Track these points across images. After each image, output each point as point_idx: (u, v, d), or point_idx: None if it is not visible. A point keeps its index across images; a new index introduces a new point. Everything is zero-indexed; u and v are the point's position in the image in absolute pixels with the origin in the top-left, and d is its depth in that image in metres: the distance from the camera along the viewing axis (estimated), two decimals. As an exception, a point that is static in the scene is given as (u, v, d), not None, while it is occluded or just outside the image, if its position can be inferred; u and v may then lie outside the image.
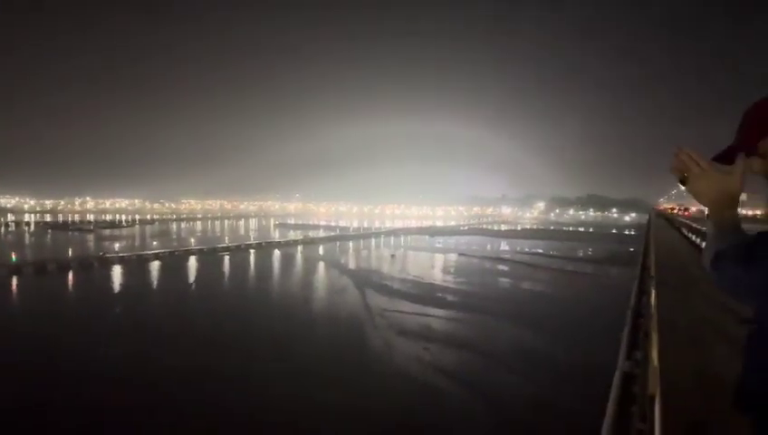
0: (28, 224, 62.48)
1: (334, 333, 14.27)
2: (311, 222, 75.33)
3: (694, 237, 8.94)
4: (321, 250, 37.47)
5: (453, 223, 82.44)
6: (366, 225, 66.89)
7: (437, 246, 43.79)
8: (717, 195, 0.91)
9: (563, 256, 36.42)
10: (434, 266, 30.52)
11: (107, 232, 51.61)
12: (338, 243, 43.63)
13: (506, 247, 43.26)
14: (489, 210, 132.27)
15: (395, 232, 56.98)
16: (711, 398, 1.72)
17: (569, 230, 70.26)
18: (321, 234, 50.97)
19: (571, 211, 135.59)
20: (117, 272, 24.85)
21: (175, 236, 47.23)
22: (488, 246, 43.64)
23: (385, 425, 8.39)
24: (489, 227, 73.69)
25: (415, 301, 18.65)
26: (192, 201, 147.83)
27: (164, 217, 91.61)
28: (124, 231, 54.72)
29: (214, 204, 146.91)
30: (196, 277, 24.29)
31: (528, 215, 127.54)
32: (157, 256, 29.91)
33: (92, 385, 9.66)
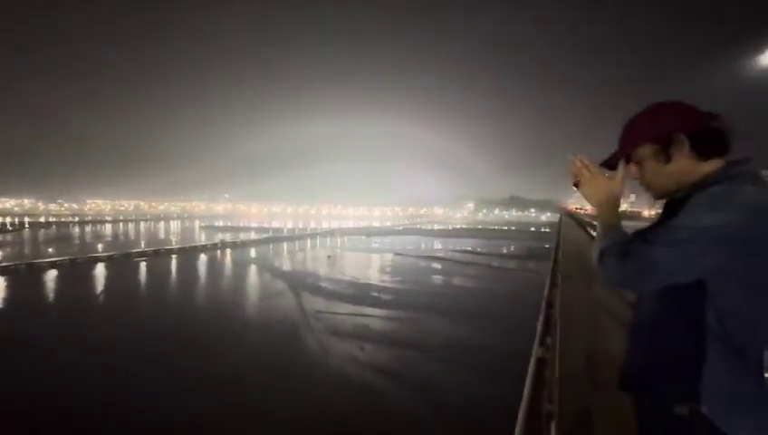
0: None
1: (266, 339, 13.65)
2: (241, 224, 71.44)
3: (594, 234, 10.16)
4: (252, 253, 35.69)
5: (389, 223, 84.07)
6: (301, 226, 65.20)
7: (374, 246, 44.29)
8: (604, 197, 1.01)
9: (490, 253, 39.15)
10: (370, 266, 30.81)
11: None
12: (271, 245, 41.96)
13: (439, 246, 45.25)
14: (423, 211, 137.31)
15: (331, 233, 56.44)
16: (601, 376, 1.95)
17: (494, 229, 75.66)
18: (253, 236, 48.58)
19: (496, 211, 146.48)
20: (-1, 285, 21.14)
21: (78, 241, 41.54)
22: (422, 245, 45.25)
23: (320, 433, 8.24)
24: (423, 226, 76.37)
25: (351, 301, 18.64)
26: (99, 202, 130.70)
27: (64, 219, 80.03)
28: (9, 236, 46.65)
29: (127, 205, 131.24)
30: (106, 288, 21.59)
31: (458, 215, 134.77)
32: (53, 265, 26.00)
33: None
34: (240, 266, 28.33)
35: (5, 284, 21.23)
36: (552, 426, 1.37)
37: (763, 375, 0.86)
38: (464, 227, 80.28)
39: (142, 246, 34.44)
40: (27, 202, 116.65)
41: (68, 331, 13.84)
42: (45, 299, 19.07)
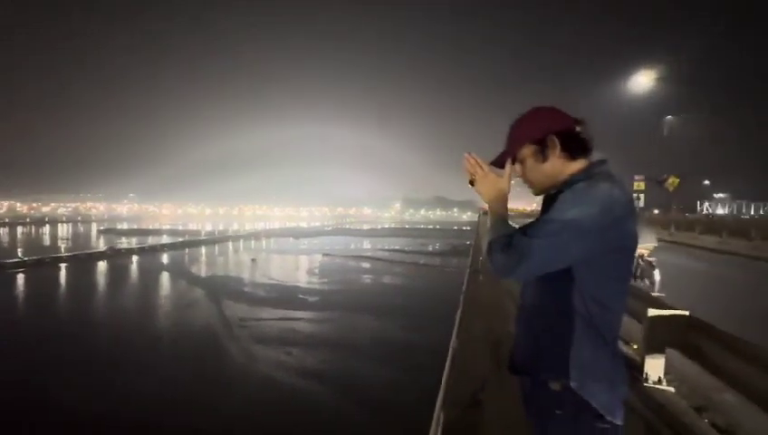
0: None
1: (183, 354, 12.50)
2: (151, 226, 64.26)
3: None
4: (164, 259, 32.32)
5: (317, 224, 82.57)
6: (222, 228, 60.74)
7: (302, 247, 43.11)
8: (494, 194, 1.10)
9: (417, 251, 40.69)
10: (298, 268, 29.97)
11: None
12: (187, 249, 38.40)
13: (368, 246, 45.72)
14: (352, 211, 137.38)
15: (256, 235, 53.63)
16: (498, 360, 2.19)
17: (421, 228, 78.83)
18: (165, 240, 44.00)
19: (423, 211, 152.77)
20: None
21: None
22: (352, 246, 45.29)
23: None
24: (352, 226, 76.50)
25: (277, 306, 17.94)
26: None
27: None
28: None
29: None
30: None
31: (387, 215, 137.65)
32: None
33: None
34: (149, 275, 25.43)
35: None
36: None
37: (617, 349, 1.03)
38: (392, 226, 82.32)
39: (19, 255, 28.95)
40: None
41: None
42: None
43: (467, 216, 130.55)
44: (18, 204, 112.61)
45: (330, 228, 68.91)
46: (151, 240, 43.34)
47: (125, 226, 67.41)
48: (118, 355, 11.94)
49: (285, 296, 19.97)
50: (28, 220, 76.97)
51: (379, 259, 34.61)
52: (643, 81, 24.18)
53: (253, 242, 47.59)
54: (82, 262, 28.80)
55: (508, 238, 0.98)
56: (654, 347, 3.47)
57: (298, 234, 56.34)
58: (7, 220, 73.11)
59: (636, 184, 26.83)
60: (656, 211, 32.84)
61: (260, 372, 11.10)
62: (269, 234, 55.68)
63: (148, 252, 35.38)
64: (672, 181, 22.97)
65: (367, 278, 26.29)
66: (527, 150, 1.10)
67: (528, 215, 28.71)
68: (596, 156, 1.10)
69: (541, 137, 1.08)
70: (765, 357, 2.64)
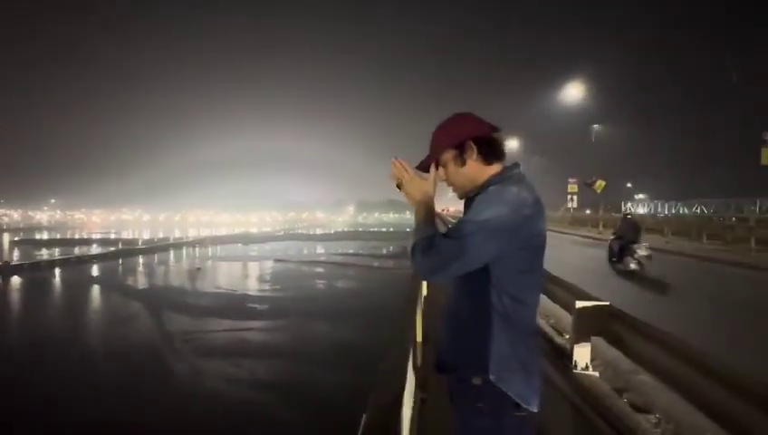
0: None
1: (120, 374, 11.45)
2: (78, 236, 58.19)
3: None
4: (94, 271, 29.41)
5: (268, 229, 79.78)
6: (162, 235, 56.56)
7: (252, 253, 41.39)
8: (419, 197, 1.14)
9: (370, 254, 40.77)
10: (248, 276, 28.75)
11: None
12: (121, 259, 35.26)
13: (322, 250, 45.00)
14: (305, 215, 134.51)
15: (201, 242, 50.59)
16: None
17: (374, 231, 79.14)
18: (96, 250, 40.08)
19: (376, 214, 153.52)
20: None
21: None
22: (305, 251, 44.32)
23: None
24: (305, 231, 74.93)
25: (225, 316, 17.06)
26: None
27: None
28: None
29: None
30: None
31: (340, 219, 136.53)
32: None
33: None
34: (75, 290, 22.98)
35: None
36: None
37: (531, 340, 1.10)
38: (345, 230, 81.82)
39: None
40: None
41: None
42: None
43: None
44: None
45: (281, 233, 66.95)
46: (78, 251, 39.26)
47: (45, 235, 60.31)
48: (37, 385, 10.65)
49: (234, 306, 19.06)
50: None
51: (332, 263, 34.22)
52: (574, 92, 26.48)
53: (198, 249, 44.82)
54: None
55: (430, 240, 1.01)
56: (581, 336, 3.81)
57: (247, 240, 54.08)
58: None
59: (570, 186, 29.18)
60: (588, 211, 35.93)
61: (206, 386, 10.50)
62: (216, 241, 52.82)
63: (74, 264, 31.97)
64: (599, 184, 25.21)
65: (320, 283, 25.88)
66: (448, 155, 1.15)
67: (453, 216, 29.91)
68: (509, 161, 1.17)
69: (459, 142, 1.13)
70: (671, 342, 3.01)
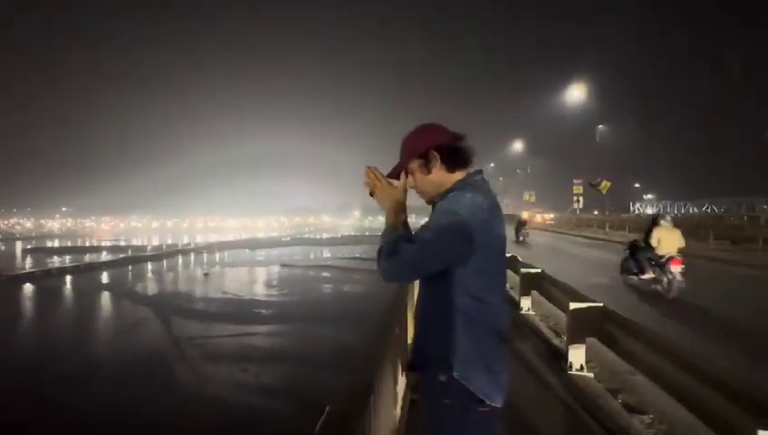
0: None
1: (127, 380, 11.63)
2: (88, 243, 59.10)
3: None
4: (105, 278, 29.86)
5: (275, 234, 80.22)
6: (170, 241, 57.19)
7: (258, 258, 41.65)
8: (389, 204, 1.21)
9: (376, 258, 40.74)
10: (255, 281, 28.94)
11: None
12: (130, 266, 35.73)
13: (328, 254, 45.12)
14: (311, 219, 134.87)
15: (208, 247, 51.02)
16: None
17: (380, 235, 78.66)
18: (106, 256, 40.68)
19: (381, 218, 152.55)
20: None
21: None
22: (311, 255, 44.47)
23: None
24: (311, 235, 75.17)
25: (232, 321, 17.22)
26: None
27: None
28: None
29: None
30: None
31: (346, 223, 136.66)
32: None
33: None
34: (86, 296, 23.38)
35: None
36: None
37: (495, 338, 1.14)
38: (352, 234, 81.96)
39: None
40: None
41: None
42: None
43: (423, 221, 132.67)
44: None
45: (288, 238, 67.26)
46: (89, 258, 39.88)
47: (57, 243, 61.33)
48: (45, 389, 10.88)
49: (241, 311, 19.24)
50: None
51: (338, 268, 34.29)
52: (577, 93, 26.41)
53: (205, 255, 45.25)
54: (2, 286, 25.79)
55: (394, 246, 1.08)
56: (576, 337, 3.84)
57: (254, 245, 54.43)
58: None
59: (575, 188, 28.99)
60: (595, 212, 35.62)
61: (212, 392, 10.62)
62: (223, 246, 53.24)
63: (85, 271, 32.49)
64: (604, 185, 25.02)
65: (327, 287, 25.96)
66: (414, 164, 1.20)
67: None
68: (474, 166, 1.21)
69: (424, 151, 1.18)
70: (662, 342, 3.04)
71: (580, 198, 28.98)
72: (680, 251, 7.28)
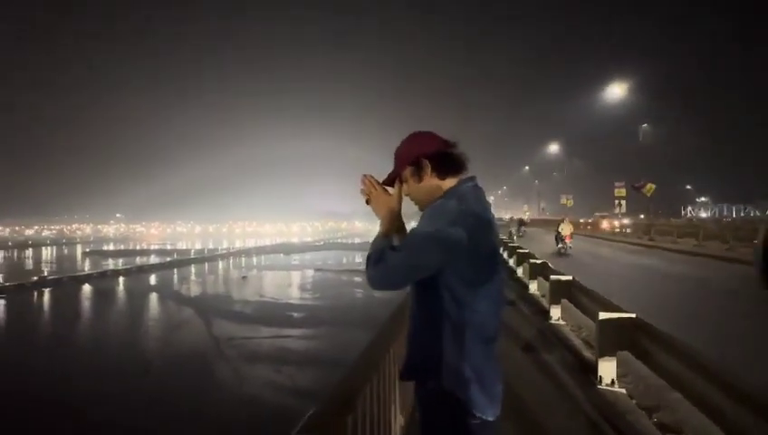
0: None
1: (172, 375, 12.39)
2: (138, 247, 63.32)
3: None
4: (152, 280, 31.94)
5: (309, 239, 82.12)
6: (212, 246, 60.17)
7: (293, 263, 42.88)
8: (384, 211, 1.19)
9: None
10: (290, 285, 29.81)
11: None
12: (175, 269, 37.97)
13: (359, 259, 45.65)
14: (344, 225, 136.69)
15: (246, 252, 53.21)
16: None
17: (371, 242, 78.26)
18: (154, 260, 43.47)
19: (412, 223, 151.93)
20: None
21: None
22: (344, 260, 45.18)
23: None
24: (344, 241, 76.26)
25: (268, 324, 17.87)
26: None
27: None
28: None
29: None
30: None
31: (378, 228, 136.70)
32: None
33: None
34: (137, 296, 25.12)
35: None
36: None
37: (486, 347, 1.09)
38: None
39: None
40: None
41: None
42: None
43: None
44: (0, 227, 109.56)
45: (321, 243, 68.63)
46: (139, 261, 42.78)
47: (111, 247, 66.22)
48: (103, 380, 11.80)
49: (277, 314, 19.91)
50: (10, 244, 74.96)
51: (370, 273, 34.49)
52: (617, 91, 25.08)
53: (243, 259, 47.22)
54: (65, 286, 28.30)
55: (382, 253, 1.05)
56: (606, 350, 3.69)
57: (289, 250, 56.04)
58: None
59: (617, 191, 27.49)
60: (641, 216, 33.47)
61: (249, 391, 11.07)
62: (260, 251, 55.29)
63: (136, 273, 34.89)
64: (649, 187, 23.53)
65: (359, 292, 26.24)
66: (407, 172, 1.18)
67: None
68: (469, 173, 1.17)
69: (415, 159, 1.16)
70: (696, 357, 2.88)
71: (623, 202, 27.44)
72: None
